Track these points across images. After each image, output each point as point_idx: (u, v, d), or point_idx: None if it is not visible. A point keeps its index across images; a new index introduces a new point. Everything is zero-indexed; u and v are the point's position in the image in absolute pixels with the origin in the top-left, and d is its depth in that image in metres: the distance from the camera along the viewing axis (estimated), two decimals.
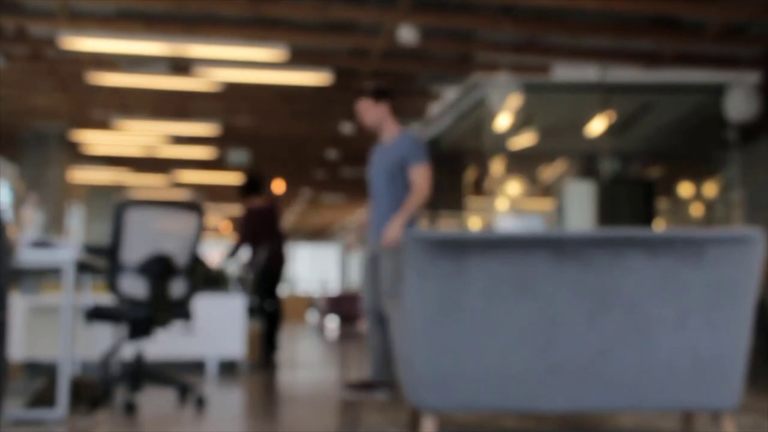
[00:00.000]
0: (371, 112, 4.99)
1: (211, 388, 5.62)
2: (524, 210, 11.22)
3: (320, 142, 13.41)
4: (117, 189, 17.70)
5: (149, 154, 14.08)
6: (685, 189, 11.09)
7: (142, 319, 4.48)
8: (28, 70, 9.61)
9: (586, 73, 9.01)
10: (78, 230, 16.42)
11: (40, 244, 4.21)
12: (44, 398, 4.11)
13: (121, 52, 8.64)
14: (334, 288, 28.35)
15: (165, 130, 12.46)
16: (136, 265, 4.35)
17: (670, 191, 11.05)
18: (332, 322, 19.11)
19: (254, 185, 7.69)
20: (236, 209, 22.56)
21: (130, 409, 4.19)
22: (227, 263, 7.44)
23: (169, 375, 4.67)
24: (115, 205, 4.36)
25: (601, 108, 9.30)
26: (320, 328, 17.22)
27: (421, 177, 4.83)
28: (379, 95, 5.00)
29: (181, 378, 5.07)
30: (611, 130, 9.48)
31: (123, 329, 4.57)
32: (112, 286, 4.34)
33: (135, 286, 4.39)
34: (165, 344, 6.41)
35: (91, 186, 17.13)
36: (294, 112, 11.57)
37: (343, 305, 19.11)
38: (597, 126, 9.42)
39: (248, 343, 7.26)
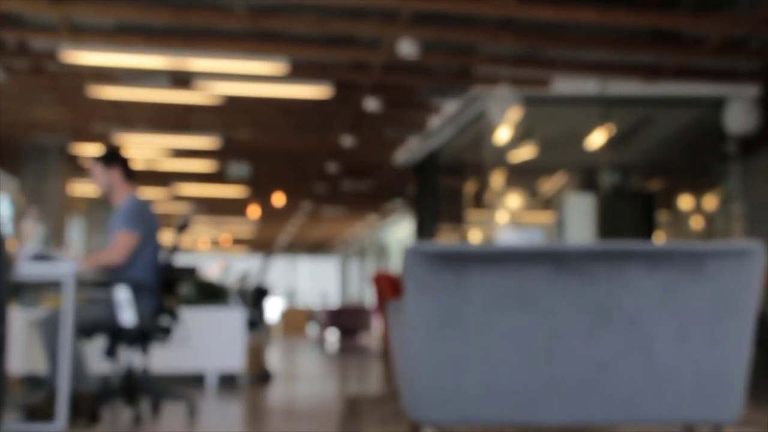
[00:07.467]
0: (102, 177, 4.84)
1: (210, 401, 5.60)
2: (524, 223, 11.19)
3: (320, 155, 13.41)
4: None
5: (149, 167, 14.08)
6: (685, 202, 11.07)
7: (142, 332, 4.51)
8: (28, 84, 9.63)
9: (586, 86, 9.01)
10: (78, 243, 16.42)
11: (40, 257, 4.21)
12: (43, 412, 4.10)
13: (122, 65, 8.65)
14: (334, 301, 28.31)
15: (165, 143, 12.47)
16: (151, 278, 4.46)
17: (670, 204, 11.03)
18: (332, 335, 19.07)
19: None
20: (236, 223, 22.53)
21: (138, 421, 4.19)
22: None
23: (164, 387, 4.66)
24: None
25: (601, 121, 9.31)
26: (320, 341, 17.19)
27: (118, 242, 4.58)
28: (109, 160, 4.83)
29: (175, 389, 5.05)
30: (611, 143, 9.48)
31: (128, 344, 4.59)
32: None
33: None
34: (164, 358, 6.38)
35: (92, 199, 17.13)
36: (294, 125, 11.58)
37: (344, 318, 19.06)
38: (597, 139, 9.42)
39: (248, 356, 7.24)
